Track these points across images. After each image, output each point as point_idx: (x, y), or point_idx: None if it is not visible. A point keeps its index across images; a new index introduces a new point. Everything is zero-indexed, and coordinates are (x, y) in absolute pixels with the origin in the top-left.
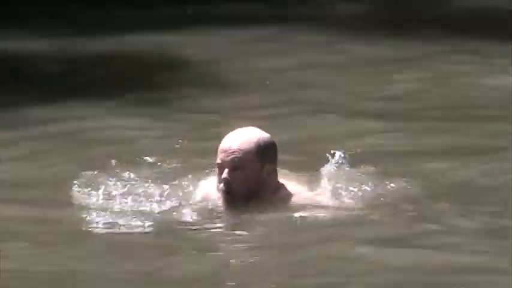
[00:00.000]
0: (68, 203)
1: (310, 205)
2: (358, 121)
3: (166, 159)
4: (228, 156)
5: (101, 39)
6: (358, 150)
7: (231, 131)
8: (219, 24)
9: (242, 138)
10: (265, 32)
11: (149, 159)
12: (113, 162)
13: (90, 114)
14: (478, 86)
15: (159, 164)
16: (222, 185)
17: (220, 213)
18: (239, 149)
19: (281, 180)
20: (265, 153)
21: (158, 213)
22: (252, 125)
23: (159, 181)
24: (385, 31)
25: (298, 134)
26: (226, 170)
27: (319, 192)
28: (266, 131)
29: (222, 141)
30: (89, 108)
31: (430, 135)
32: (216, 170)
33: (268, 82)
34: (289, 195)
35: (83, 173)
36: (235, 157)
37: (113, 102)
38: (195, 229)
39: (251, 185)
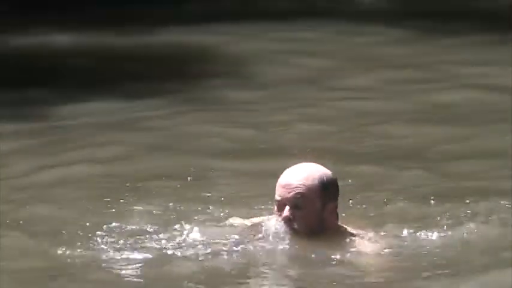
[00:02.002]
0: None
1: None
2: None
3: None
4: (289, 192)
5: (129, 35)
6: None
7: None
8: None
9: (304, 173)
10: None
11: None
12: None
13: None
14: None
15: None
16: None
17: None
18: (302, 185)
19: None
20: (328, 190)
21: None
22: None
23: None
24: None
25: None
26: (287, 208)
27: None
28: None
29: (281, 176)
30: (118, 101)
31: None
32: (274, 206)
33: None
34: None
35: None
36: (298, 193)
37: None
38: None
39: (312, 224)
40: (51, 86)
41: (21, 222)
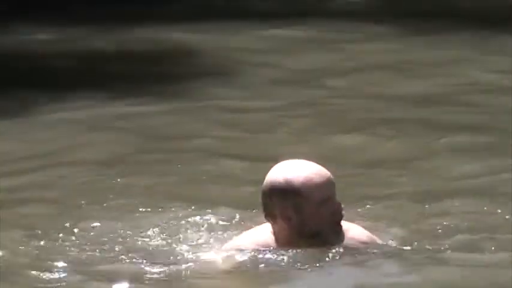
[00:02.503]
0: None
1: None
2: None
3: None
4: (332, 185)
5: (111, 34)
6: None
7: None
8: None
9: (318, 166)
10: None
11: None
12: None
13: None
14: None
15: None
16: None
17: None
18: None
19: None
20: None
21: None
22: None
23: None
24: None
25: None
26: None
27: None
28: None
29: (314, 176)
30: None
31: None
32: (323, 204)
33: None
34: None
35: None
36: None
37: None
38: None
39: None
40: (32, 86)
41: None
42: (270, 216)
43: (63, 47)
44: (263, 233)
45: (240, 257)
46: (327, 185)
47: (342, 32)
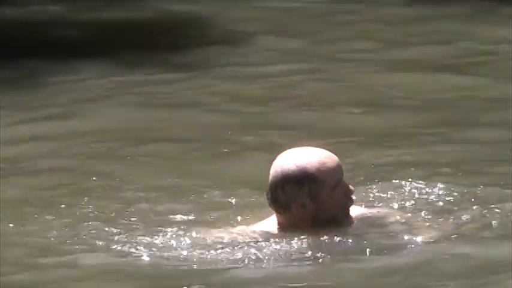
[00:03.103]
0: None
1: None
2: None
3: None
4: (341, 168)
5: (121, 4)
6: None
7: None
8: None
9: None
10: None
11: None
12: None
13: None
14: None
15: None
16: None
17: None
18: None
19: None
20: None
21: None
22: None
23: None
24: None
25: None
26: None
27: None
28: None
29: (326, 160)
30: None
31: None
32: (336, 187)
33: None
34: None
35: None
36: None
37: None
38: None
39: None
40: (42, 57)
41: None
42: (281, 207)
43: (72, 17)
44: (269, 224)
45: (246, 246)
46: (339, 168)
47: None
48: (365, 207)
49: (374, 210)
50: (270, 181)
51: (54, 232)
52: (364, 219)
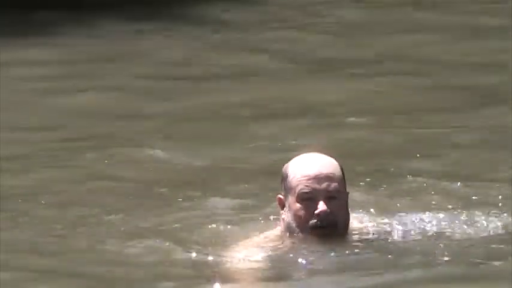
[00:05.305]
0: None
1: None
2: None
3: None
4: (322, 183)
5: None
6: None
7: None
8: None
9: (327, 161)
10: None
11: None
12: None
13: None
14: None
15: None
16: (315, 220)
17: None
18: (333, 174)
19: None
20: (345, 179)
21: None
22: None
23: None
24: None
25: None
26: (321, 202)
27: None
28: None
29: (302, 168)
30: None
31: None
32: (296, 203)
33: None
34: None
35: None
36: (332, 183)
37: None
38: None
39: (345, 215)
40: (58, 9)
41: None
42: (280, 203)
43: None
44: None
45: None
46: (318, 180)
47: None
48: (366, 219)
49: (373, 224)
50: None
51: None
52: (361, 234)
